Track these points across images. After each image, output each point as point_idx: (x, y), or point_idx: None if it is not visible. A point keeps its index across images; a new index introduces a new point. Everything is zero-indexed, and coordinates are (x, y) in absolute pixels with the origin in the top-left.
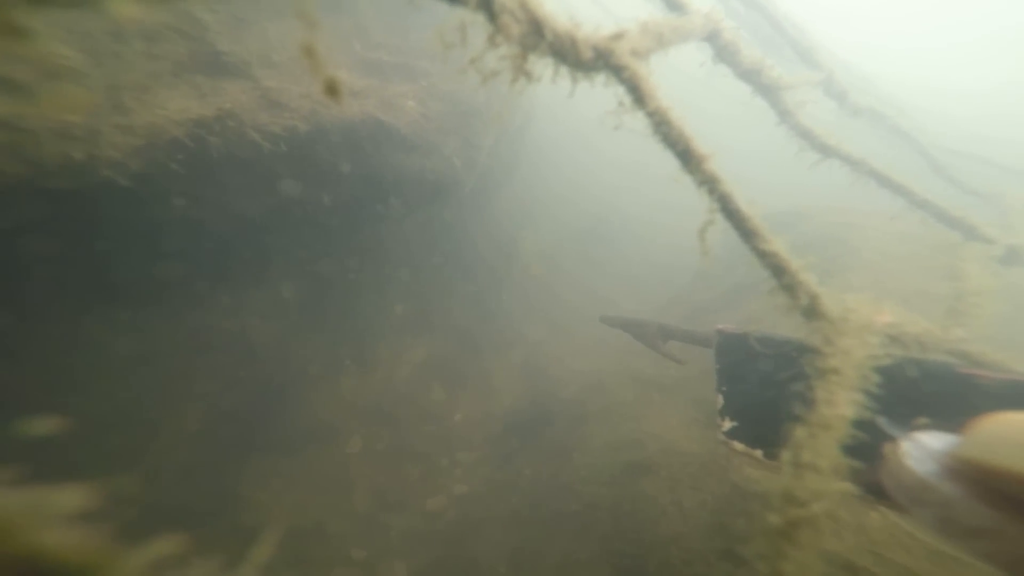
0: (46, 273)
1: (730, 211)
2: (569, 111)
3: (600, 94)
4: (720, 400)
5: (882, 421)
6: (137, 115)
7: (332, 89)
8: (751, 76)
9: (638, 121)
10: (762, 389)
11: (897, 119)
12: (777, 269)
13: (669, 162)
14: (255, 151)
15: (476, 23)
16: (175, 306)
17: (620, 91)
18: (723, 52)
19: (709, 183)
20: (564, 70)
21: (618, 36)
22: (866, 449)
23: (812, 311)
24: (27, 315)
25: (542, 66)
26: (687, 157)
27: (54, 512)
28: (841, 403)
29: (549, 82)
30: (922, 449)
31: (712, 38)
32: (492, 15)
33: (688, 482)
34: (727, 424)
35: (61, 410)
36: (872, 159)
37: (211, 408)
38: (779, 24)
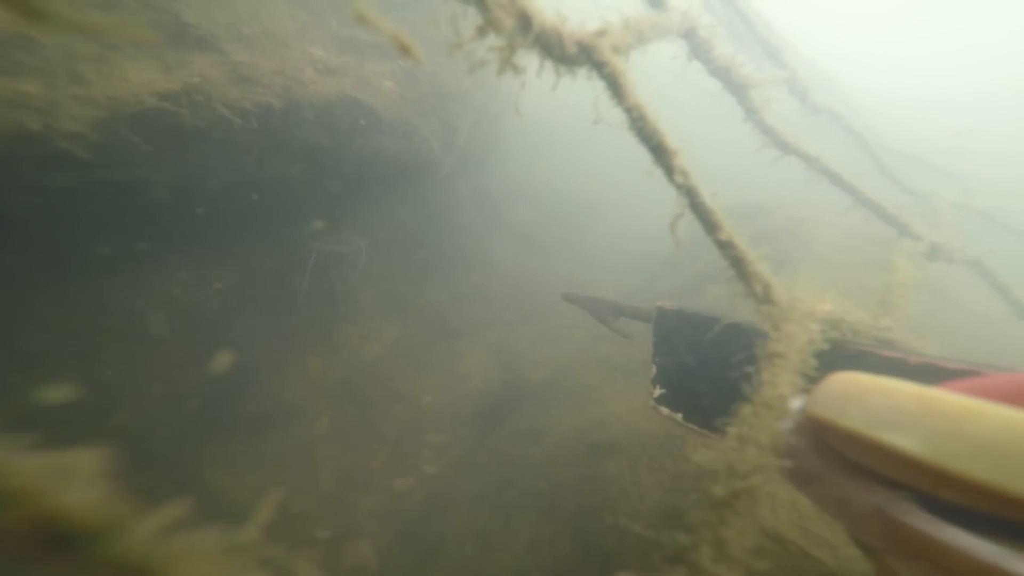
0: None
1: (696, 204)
2: (534, 103)
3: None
4: (654, 370)
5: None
6: (96, 87)
7: (405, 49)
8: (722, 73)
9: (618, 115)
10: (685, 360)
11: (851, 119)
12: (735, 260)
13: (643, 155)
14: (225, 127)
15: (466, 13)
16: (135, 282)
17: (601, 85)
18: (698, 49)
19: (679, 177)
20: (549, 64)
21: (601, 32)
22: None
23: (764, 298)
24: None
25: (528, 59)
26: (660, 151)
27: (72, 475)
28: (783, 385)
29: (534, 75)
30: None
31: (688, 35)
32: (485, 8)
33: (647, 461)
34: (657, 391)
35: (14, 390)
36: (824, 158)
37: (172, 387)
38: (751, 23)
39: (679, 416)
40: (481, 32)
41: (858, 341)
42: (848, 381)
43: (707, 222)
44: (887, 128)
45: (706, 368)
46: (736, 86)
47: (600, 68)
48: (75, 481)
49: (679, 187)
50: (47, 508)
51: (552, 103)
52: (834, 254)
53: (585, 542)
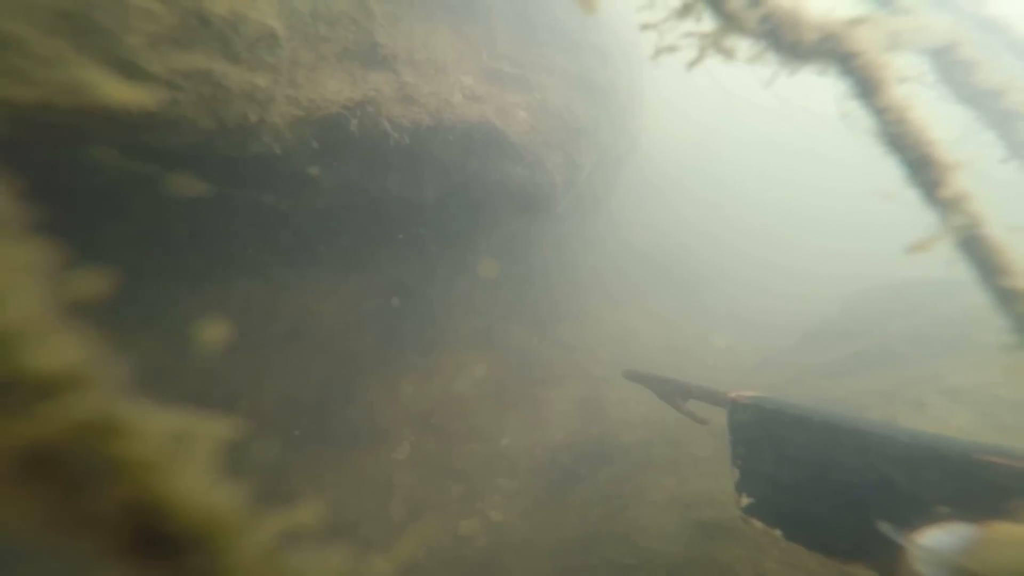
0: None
1: (974, 238)
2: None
3: None
4: (736, 474)
5: (886, 527)
6: (304, 90)
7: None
8: (985, 100)
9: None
10: (778, 464)
11: None
12: None
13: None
14: (383, 140)
15: None
16: (274, 284)
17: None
18: (952, 69)
19: (951, 198)
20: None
21: (856, 21)
22: (870, 544)
23: None
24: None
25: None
26: (924, 165)
27: (196, 448)
28: None
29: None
30: (933, 555)
31: (944, 52)
32: None
33: (778, 555)
34: (744, 500)
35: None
36: None
37: (284, 391)
38: None
39: (778, 533)
40: (683, 12)
41: (1015, 460)
42: None
43: (986, 262)
44: None
45: (811, 477)
46: (1004, 116)
47: (847, 61)
48: (193, 457)
49: (949, 210)
50: (159, 492)
51: (676, 145)
52: None
53: None
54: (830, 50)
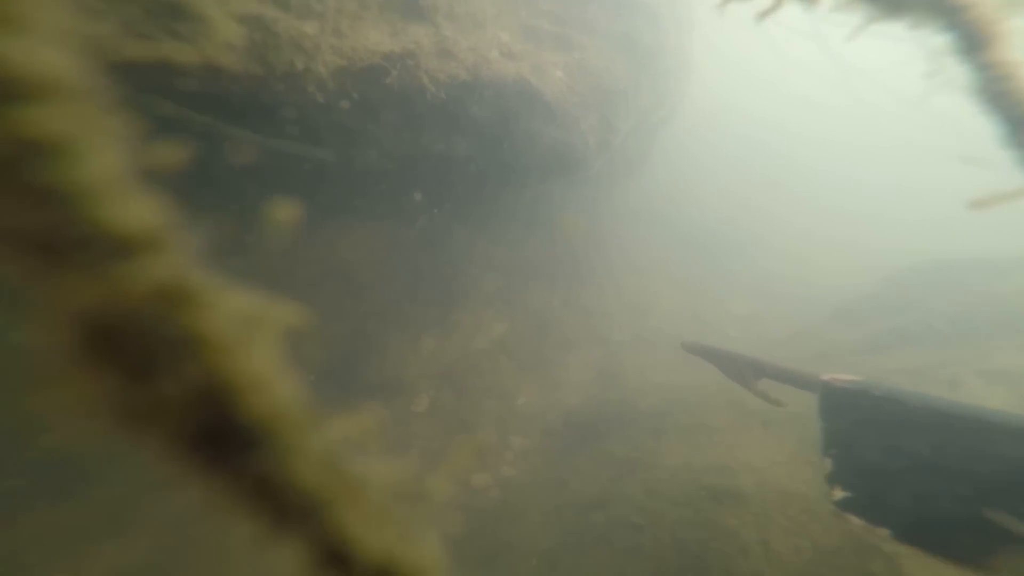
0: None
1: None
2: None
3: None
4: (829, 464)
5: (1002, 517)
6: (347, 40)
7: None
8: None
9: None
10: (886, 457)
11: None
12: None
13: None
14: (420, 94)
15: None
16: (306, 230)
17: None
18: None
19: None
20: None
21: None
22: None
23: None
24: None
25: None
26: None
27: (269, 329)
28: None
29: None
30: None
31: None
32: None
33: (784, 523)
34: (838, 494)
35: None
36: None
37: (319, 335)
38: None
39: (885, 532)
40: None
41: None
42: None
43: None
44: None
45: (940, 473)
46: None
47: (954, 14)
48: (264, 341)
49: None
50: (226, 375)
51: (720, 111)
52: None
53: None
54: (933, 4)
